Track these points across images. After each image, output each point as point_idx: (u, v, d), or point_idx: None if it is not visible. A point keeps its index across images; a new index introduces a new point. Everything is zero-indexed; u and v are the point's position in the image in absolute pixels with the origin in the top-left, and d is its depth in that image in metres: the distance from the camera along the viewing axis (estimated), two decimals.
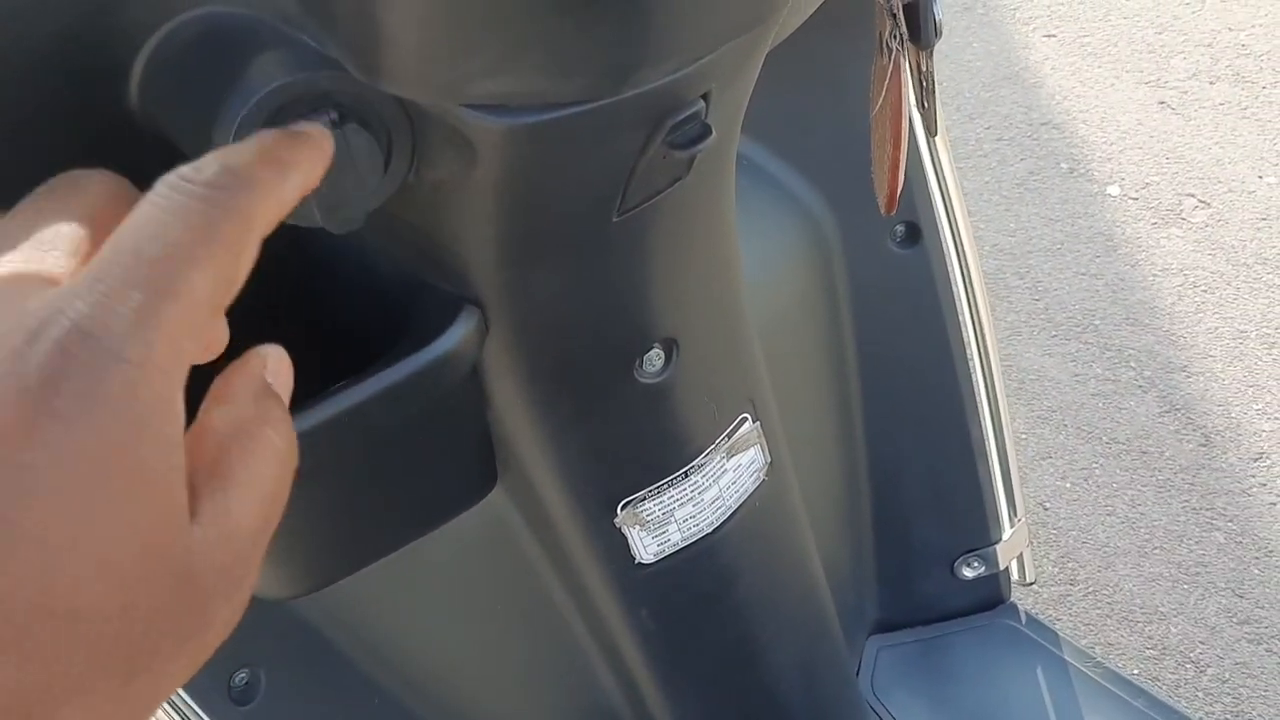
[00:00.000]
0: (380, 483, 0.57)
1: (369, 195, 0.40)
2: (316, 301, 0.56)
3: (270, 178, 0.29)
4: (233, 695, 0.68)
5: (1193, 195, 2.03)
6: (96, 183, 0.30)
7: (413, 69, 0.33)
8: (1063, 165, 2.13)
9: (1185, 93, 2.26)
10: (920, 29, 0.43)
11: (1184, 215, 2.00)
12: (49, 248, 0.26)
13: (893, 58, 0.44)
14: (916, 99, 0.47)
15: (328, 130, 0.35)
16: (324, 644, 0.71)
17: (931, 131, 0.48)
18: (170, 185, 0.26)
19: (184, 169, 0.27)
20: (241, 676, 0.68)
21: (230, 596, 0.25)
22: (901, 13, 0.43)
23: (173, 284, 0.24)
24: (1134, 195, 2.05)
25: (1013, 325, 1.84)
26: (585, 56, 0.32)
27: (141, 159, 0.42)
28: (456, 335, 0.49)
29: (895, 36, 0.44)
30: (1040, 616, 1.00)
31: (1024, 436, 1.68)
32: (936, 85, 0.46)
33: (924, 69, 0.45)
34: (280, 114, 0.37)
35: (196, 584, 0.24)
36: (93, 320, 0.22)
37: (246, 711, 0.68)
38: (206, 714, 0.67)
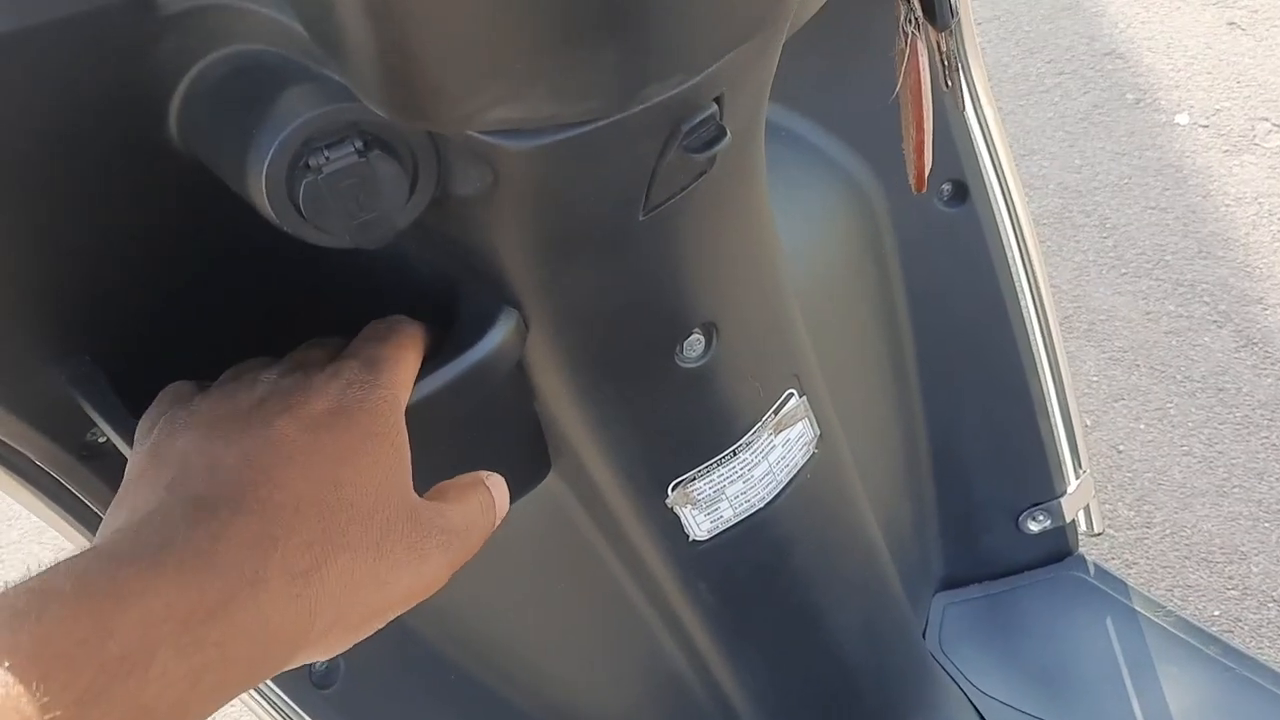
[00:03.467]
0: (436, 475, 0.59)
1: (397, 215, 0.41)
2: (362, 309, 0.57)
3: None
4: (314, 679, 0.72)
5: (1266, 119, 1.96)
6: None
7: (424, 104, 0.34)
8: (1128, 96, 2.07)
9: (1255, 11, 2.17)
10: (935, 11, 0.43)
11: (1257, 141, 1.93)
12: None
13: (909, 42, 0.44)
14: (941, 78, 0.46)
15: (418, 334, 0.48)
16: (399, 627, 0.74)
17: (960, 107, 0.47)
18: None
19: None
20: (322, 662, 0.71)
21: (444, 550, 0.41)
22: None
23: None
24: (1204, 123, 1.98)
25: (1080, 265, 1.81)
26: (592, 80, 0.33)
27: (181, 184, 0.44)
28: (496, 338, 0.50)
29: (910, 20, 0.43)
30: (1109, 567, 1.00)
31: (1095, 379, 1.65)
32: (960, 62, 0.45)
33: (944, 49, 0.45)
34: (309, 145, 0.39)
35: (418, 523, 0.40)
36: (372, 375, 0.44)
37: (328, 695, 0.71)
38: (291, 699, 0.70)
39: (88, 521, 0.56)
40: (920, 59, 0.44)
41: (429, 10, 0.29)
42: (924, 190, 0.49)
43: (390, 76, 0.33)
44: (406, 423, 0.50)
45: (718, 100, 0.40)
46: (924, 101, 0.45)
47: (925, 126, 0.46)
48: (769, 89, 0.49)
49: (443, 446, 0.56)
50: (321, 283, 0.53)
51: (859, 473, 0.80)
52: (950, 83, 0.46)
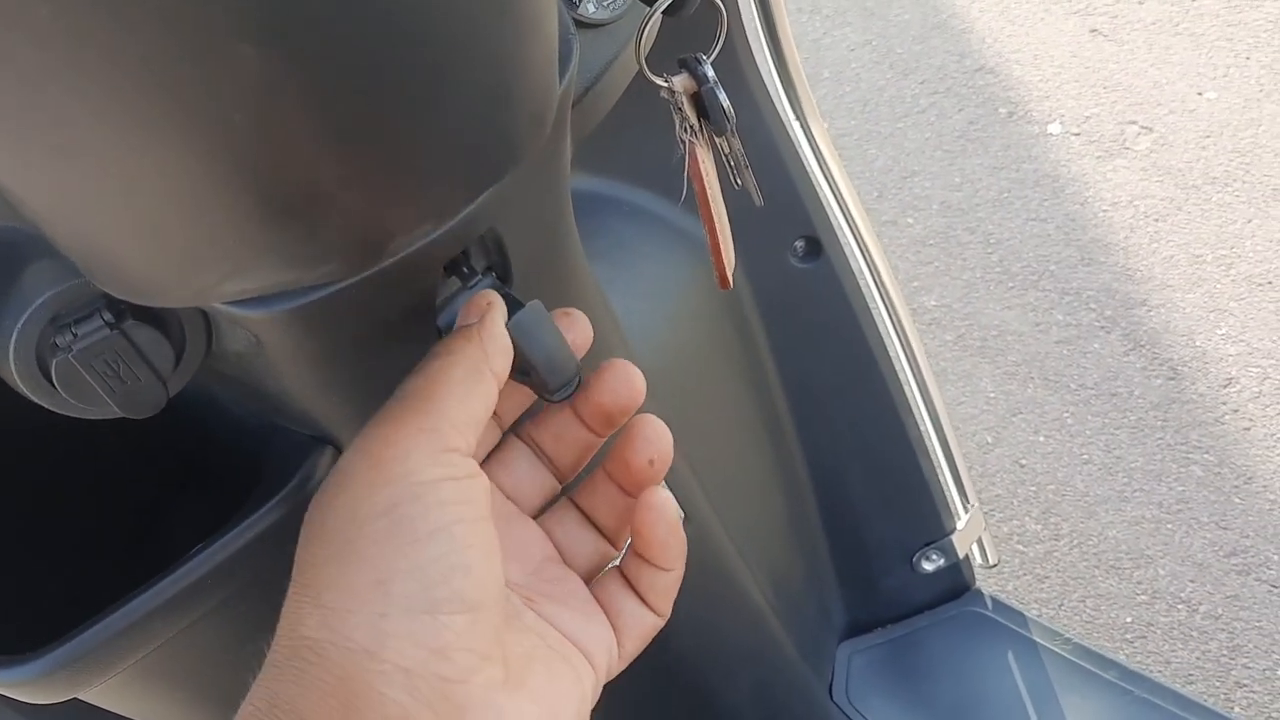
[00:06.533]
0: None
1: (168, 380, 0.39)
2: (180, 452, 0.55)
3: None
4: None
5: (1134, 122, 2.01)
6: None
7: (149, 285, 0.32)
8: (1001, 110, 2.11)
9: (1115, 17, 2.23)
10: (712, 115, 0.43)
11: (1128, 144, 1.98)
12: None
13: (688, 149, 0.43)
14: (730, 178, 0.46)
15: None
16: None
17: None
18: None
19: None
20: None
21: None
22: (688, 105, 0.42)
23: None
24: (1076, 131, 2.03)
25: (969, 282, 1.83)
26: (324, 248, 0.31)
27: None
28: (309, 476, 0.48)
29: (685, 128, 0.43)
30: (1005, 599, 1.00)
31: (992, 395, 1.67)
32: (746, 160, 0.45)
33: (729, 150, 0.44)
34: (55, 323, 0.37)
35: None
36: None
37: None
38: None
39: None
40: (700, 165, 0.43)
41: (105, 205, 0.28)
42: (729, 288, 0.48)
43: (92, 264, 0.31)
44: (221, 576, 0.48)
45: (483, 236, 0.39)
46: (710, 205, 0.44)
47: (717, 228, 0.45)
48: (564, 197, 0.48)
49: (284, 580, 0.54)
50: (138, 422, 0.50)
51: (742, 539, 0.79)
52: (740, 181, 0.45)
